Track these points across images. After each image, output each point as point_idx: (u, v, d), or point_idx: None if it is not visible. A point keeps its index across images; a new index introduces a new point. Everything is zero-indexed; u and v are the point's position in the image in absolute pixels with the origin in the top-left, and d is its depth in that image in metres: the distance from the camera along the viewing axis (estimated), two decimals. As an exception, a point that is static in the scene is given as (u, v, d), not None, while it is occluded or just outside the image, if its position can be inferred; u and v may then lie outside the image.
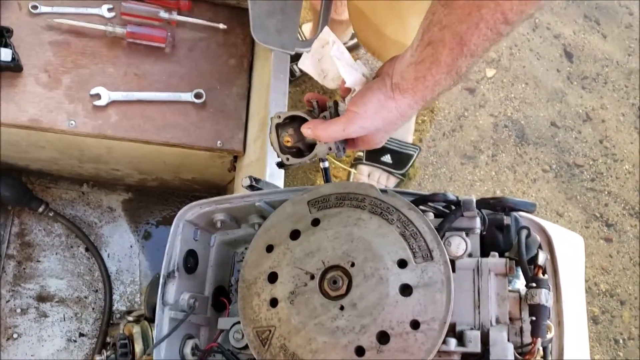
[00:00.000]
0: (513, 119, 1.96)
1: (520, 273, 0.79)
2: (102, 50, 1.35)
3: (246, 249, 0.85)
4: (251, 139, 1.35)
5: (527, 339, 0.73)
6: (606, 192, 1.90)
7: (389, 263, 0.72)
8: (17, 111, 1.26)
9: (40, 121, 1.27)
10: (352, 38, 1.92)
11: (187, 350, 0.86)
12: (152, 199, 1.72)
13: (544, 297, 0.71)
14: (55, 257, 1.61)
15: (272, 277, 0.76)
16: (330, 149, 0.84)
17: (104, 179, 1.66)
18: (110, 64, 1.34)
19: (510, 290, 0.75)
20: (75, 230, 1.62)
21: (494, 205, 0.80)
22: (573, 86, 2.04)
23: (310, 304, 0.72)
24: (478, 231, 0.79)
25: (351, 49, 1.90)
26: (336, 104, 0.85)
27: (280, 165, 0.90)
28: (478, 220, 0.79)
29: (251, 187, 0.92)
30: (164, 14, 1.36)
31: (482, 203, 0.80)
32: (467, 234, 0.78)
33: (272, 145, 0.88)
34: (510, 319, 0.74)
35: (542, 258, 0.76)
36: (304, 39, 1.79)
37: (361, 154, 1.82)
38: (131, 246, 1.66)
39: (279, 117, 0.86)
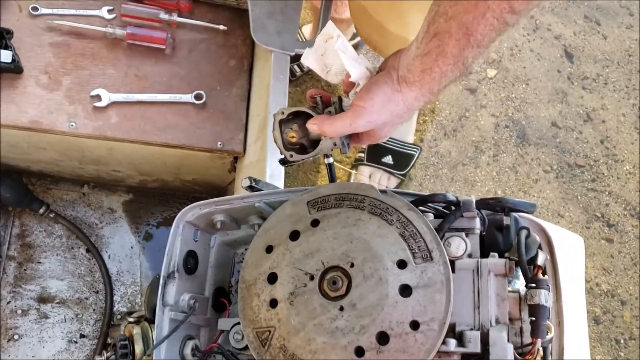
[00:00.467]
0: (514, 120, 1.96)
1: (520, 273, 0.79)
2: (103, 52, 1.35)
3: (246, 249, 0.85)
4: (251, 140, 1.35)
5: (527, 339, 0.73)
6: (607, 193, 1.90)
7: (388, 263, 0.72)
8: (18, 112, 1.26)
9: (40, 122, 1.27)
10: (352, 38, 1.92)
11: (188, 351, 0.86)
12: (153, 200, 1.72)
13: (544, 297, 0.71)
14: (56, 258, 1.61)
15: (272, 278, 0.76)
16: (335, 144, 0.84)
17: (105, 180, 1.66)
18: (111, 65, 1.34)
19: (510, 291, 0.75)
20: (76, 231, 1.62)
21: (494, 206, 0.80)
22: (574, 87, 2.04)
23: (310, 305, 0.72)
24: (478, 232, 0.78)
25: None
26: (340, 99, 0.84)
27: (283, 162, 0.89)
28: (478, 220, 0.78)
29: (251, 188, 0.92)
30: (164, 16, 1.36)
31: (482, 203, 0.80)
32: (466, 235, 0.78)
33: (275, 141, 0.87)
34: (510, 320, 0.74)
35: (541, 258, 0.76)
36: (304, 40, 1.79)
37: (362, 154, 1.81)
38: (132, 247, 1.66)
39: (282, 113, 0.86)
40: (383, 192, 0.79)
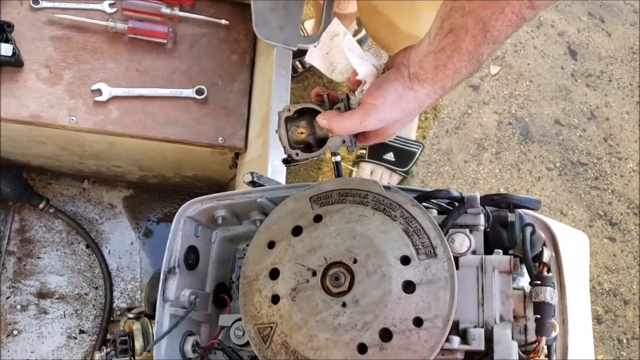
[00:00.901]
0: (517, 117, 1.95)
1: (525, 271, 0.78)
2: (104, 46, 1.34)
3: (247, 245, 0.85)
4: (253, 136, 1.34)
5: (532, 337, 0.72)
6: (610, 191, 1.89)
7: (391, 260, 0.71)
8: (18, 106, 1.25)
9: (41, 117, 1.26)
10: (354, 34, 1.91)
11: (188, 347, 0.85)
12: (153, 196, 1.72)
13: (549, 294, 0.70)
14: (56, 254, 1.60)
15: (274, 274, 0.75)
16: (343, 141, 0.83)
17: (105, 176, 1.65)
18: (112, 59, 1.33)
19: (514, 288, 0.75)
20: (75, 226, 1.61)
21: (498, 202, 0.79)
22: (577, 84, 2.03)
23: (312, 301, 0.71)
24: (482, 228, 0.78)
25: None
26: (348, 96, 0.83)
27: (286, 161, 0.88)
28: (482, 217, 0.78)
29: (253, 183, 0.91)
30: (165, 10, 1.35)
31: (486, 200, 0.79)
32: (470, 231, 0.77)
33: (280, 139, 0.86)
34: (515, 317, 0.73)
35: (547, 255, 0.75)
36: (306, 35, 1.78)
37: (363, 151, 1.81)
38: (132, 243, 1.66)
39: (289, 110, 0.85)
40: (387, 188, 0.78)
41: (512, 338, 0.70)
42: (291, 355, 0.71)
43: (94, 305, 1.58)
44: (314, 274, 0.73)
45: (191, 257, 0.90)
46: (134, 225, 1.68)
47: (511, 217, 0.79)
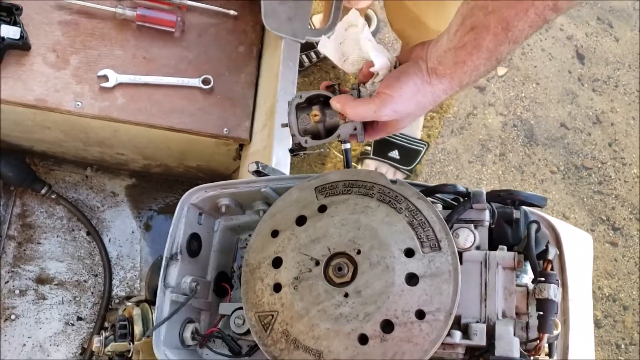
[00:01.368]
0: (522, 119, 1.94)
1: (528, 268, 0.78)
2: (112, 32, 1.33)
3: (250, 235, 0.85)
4: (258, 127, 1.33)
5: (533, 334, 0.72)
6: (613, 196, 1.89)
7: (395, 252, 0.70)
8: (24, 90, 1.25)
9: (46, 101, 1.26)
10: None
11: (187, 334, 0.85)
12: (156, 186, 1.71)
13: (553, 291, 0.70)
14: (56, 240, 1.60)
15: (277, 262, 0.75)
16: (355, 128, 0.83)
17: (108, 164, 1.65)
18: (119, 46, 1.33)
19: (517, 285, 0.74)
20: (77, 213, 1.61)
21: (504, 198, 0.78)
22: (584, 88, 2.02)
23: (314, 290, 0.71)
24: (487, 224, 0.78)
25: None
26: (359, 88, 0.83)
27: (293, 151, 0.88)
28: (487, 213, 0.77)
29: (257, 173, 0.91)
30: (174, -2, 1.35)
31: (492, 196, 0.79)
32: (475, 227, 0.77)
33: (290, 126, 0.85)
34: (517, 314, 0.73)
35: (552, 253, 0.75)
36: (314, 28, 1.78)
37: (368, 148, 1.80)
38: (133, 232, 1.65)
39: (301, 97, 0.84)
40: (393, 181, 0.77)
41: (514, 335, 0.70)
42: (291, 344, 0.70)
43: (92, 293, 1.58)
44: (317, 263, 0.73)
45: (193, 245, 0.90)
46: (136, 214, 1.67)
47: (516, 214, 0.79)
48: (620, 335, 1.73)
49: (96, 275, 1.59)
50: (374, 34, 1.93)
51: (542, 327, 0.70)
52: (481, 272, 0.74)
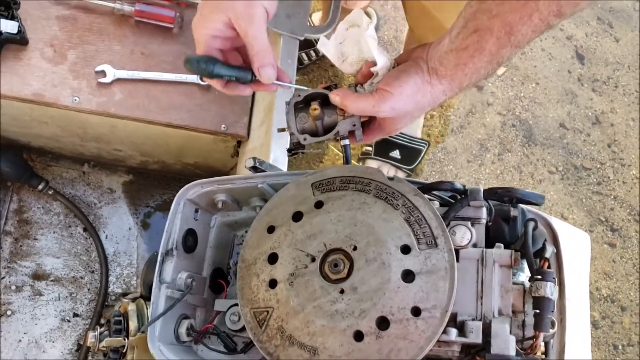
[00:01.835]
0: (521, 119, 1.94)
1: (525, 266, 0.78)
2: (110, 28, 1.33)
3: (246, 231, 0.84)
4: (256, 124, 1.33)
5: (529, 332, 0.72)
6: (612, 197, 1.88)
7: (392, 248, 0.70)
8: (21, 84, 1.25)
9: (43, 95, 1.25)
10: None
11: (182, 330, 0.84)
12: (153, 182, 1.71)
13: (549, 289, 0.70)
14: (53, 236, 1.60)
15: (273, 258, 0.75)
16: (354, 125, 0.82)
17: (106, 160, 1.65)
18: (117, 41, 1.32)
19: (514, 283, 0.74)
20: (74, 209, 1.60)
21: (502, 196, 0.78)
22: (583, 88, 2.02)
23: (310, 287, 0.71)
24: (484, 221, 0.77)
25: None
26: (356, 88, 0.83)
27: (291, 150, 0.87)
28: (484, 210, 0.77)
29: (254, 169, 0.90)
30: (173, -6, 1.34)
31: (490, 193, 0.78)
32: (472, 224, 0.76)
33: (288, 125, 0.85)
34: (513, 312, 0.73)
35: (549, 251, 0.74)
36: (313, 26, 1.77)
37: (369, 148, 1.80)
38: (130, 228, 1.65)
39: (299, 96, 0.84)
40: (390, 178, 0.77)
41: (510, 333, 0.70)
42: (286, 340, 0.70)
43: (89, 289, 1.57)
44: (313, 259, 0.72)
45: (189, 240, 0.89)
46: (133, 210, 1.67)
47: (514, 211, 0.78)
48: (618, 336, 1.73)
49: (93, 272, 1.59)
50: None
51: (539, 325, 0.70)
52: (478, 269, 0.74)
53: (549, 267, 0.74)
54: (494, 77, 1.98)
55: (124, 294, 1.54)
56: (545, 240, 0.77)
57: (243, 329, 0.81)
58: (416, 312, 0.67)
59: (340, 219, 0.74)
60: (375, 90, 0.78)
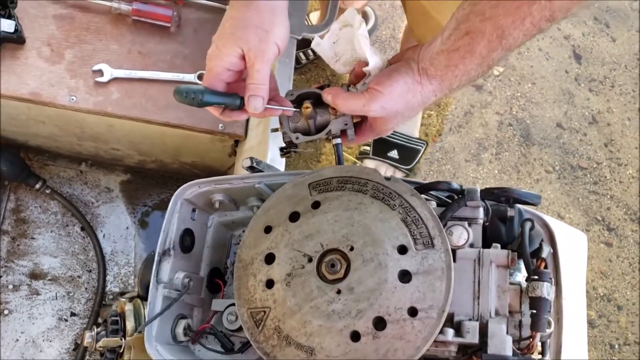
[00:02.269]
0: (518, 118, 1.94)
1: (522, 266, 0.78)
2: (107, 27, 1.33)
3: (244, 231, 0.84)
4: (253, 124, 1.33)
5: (526, 332, 0.72)
6: (609, 196, 1.89)
7: (388, 248, 0.70)
8: (18, 83, 1.24)
9: (40, 95, 1.25)
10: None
11: (180, 330, 0.84)
12: (151, 182, 1.71)
13: (546, 290, 0.70)
14: (50, 235, 1.59)
15: (269, 258, 0.75)
16: (345, 124, 0.82)
17: (103, 159, 1.65)
18: (114, 41, 1.32)
19: (510, 283, 0.74)
20: (71, 208, 1.60)
21: (499, 196, 0.78)
22: (580, 88, 2.02)
23: (307, 287, 0.71)
24: (481, 222, 0.77)
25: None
26: (348, 88, 0.83)
27: (284, 149, 0.88)
28: (481, 210, 0.77)
29: (252, 169, 0.90)
30: (170, -7, 1.34)
31: (487, 193, 0.78)
32: (469, 224, 0.77)
33: (281, 123, 0.85)
34: (510, 312, 0.73)
35: (546, 251, 0.74)
36: (310, 25, 1.77)
37: (367, 148, 1.80)
38: (127, 228, 1.65)
39: (292, 95, 0.84)
40: (387, 178, 0.77)
41: (507, 333, 0.70)
42: (283, 341, 0.70)
43: (86, 289, 1.57)
44: (310, 260, 0.72)
45: (187, 240, 0.89)
46: (130, 210, 1.67)
47: (510, 212, 0.79)
48: (615, 336, 1.73)
49: (90, 271, 1.59)
50: (372, 31, 1.92)
51: (535, 325, 0.70)
52: (474, 269, 0.74)
53: (545, 267, 0.74)
54: (492, 77, 1.98)
55: (122, 293, 1.54)
56: (542, 240, 0.77)
57: (240, 329, 0.81)
58: (413, 312, 0.67)
59: (337, 219, 0.74)
60: (366, 90, 0.78)
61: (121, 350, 0.96)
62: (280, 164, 1.18)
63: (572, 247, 0.92)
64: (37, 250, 1.57)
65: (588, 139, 1.95)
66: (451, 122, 1.91)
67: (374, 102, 0.76)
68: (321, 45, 0.85)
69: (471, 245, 0.75)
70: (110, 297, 1.57)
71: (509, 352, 0.68)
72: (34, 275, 1.55)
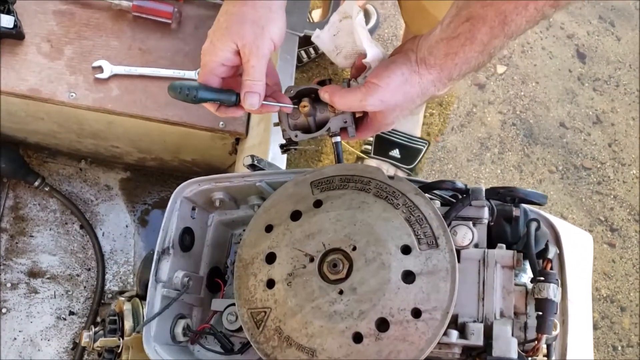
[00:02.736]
0: (521, 118, 1.93)
1: (527, 267, 0.77)
2: (107, 23, 1.32)
3: (244, 230, 0.83)
4: (254, 122, 1.32)
5: (531, 334, 0.71)
6: (612, 196, 1.87)
7: (392, 248, 0.69)
8: (17, 79, 1.23)
9: (40, 91, 1.24)
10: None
11: (179, 330, 0.83)
12: (151, 179, 1.69)
13: (552, 291, 0.69)
14: (49, 233, 1.58)
15: (270, 258, 0.73)
16: (345, 121, 0.81)
17: (103, 156, 1.63)
18: (115, 37, 1.31)
19: (516, 284, 0.73)
20: (70, 206, 1.59)
21: (504, 196, 0.77)
22: (584, 87, 2.01)
23: (308, 287, 0.69)
24: (486, 222, 0.76)
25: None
26: (349, 82, 0.82)
27: (284, 146, 0.86)
28: (486, 210, 0.76)
29: (253, 167, 0.89)
30: (171, -11, 1.33)
31: (492, 193, 0.77)
32: (474, 224, 0.75)
33: (280, 120, 0.84)
34: (515, 314, 0.72)
35: (552, 252, 0.73)
36: (312, 22, 1.76)
37: (369, 147, 1.79)
38: (127, 226, 1.63)
39: (291, 91, 0.83)
40: (390, 177, 0.76)
41: (512, 335, 0.68)
42: (284, 342, 0.69)
43: (85, 287, 1.56)
44: (312, 259, 0.71)
45: (186, 239, 0.88)
46: (130, 208, 1.65)
47: (516, 211, 0.77)
48: (617, 337, 1.72)
49: (89, 270, 1.58)
50: (373, 29, 1.91)
51: (541, 327, 0.69)
52: (479, 270, 0.73)
53: (551, 268, 0.73)
54: (495, 76, 1.97)
55: (121, 292, 1.53)
56: (548, 241, 0.76)
57: (240, 329, 0.80)
58: (416, 313, 0.66)
59: (340, 218, 0.72)
60: (364, 84, 0.77)
61: (119, 351, 0.95)
62: (281, 162, 1.17)
63: (578, 247, 0.91)
64: (35, 249, 1.56)
65: (592, 139, 1.94)
66: (453, 121, 1.89)
67: (372, 96, 0.75)
68: (321, 37, 0.83)
69: (476, 246, 0.74)
70: (110, 295, 1.56)
71: (514, 355, 0.67)
72: (33, 274, 1.54)
